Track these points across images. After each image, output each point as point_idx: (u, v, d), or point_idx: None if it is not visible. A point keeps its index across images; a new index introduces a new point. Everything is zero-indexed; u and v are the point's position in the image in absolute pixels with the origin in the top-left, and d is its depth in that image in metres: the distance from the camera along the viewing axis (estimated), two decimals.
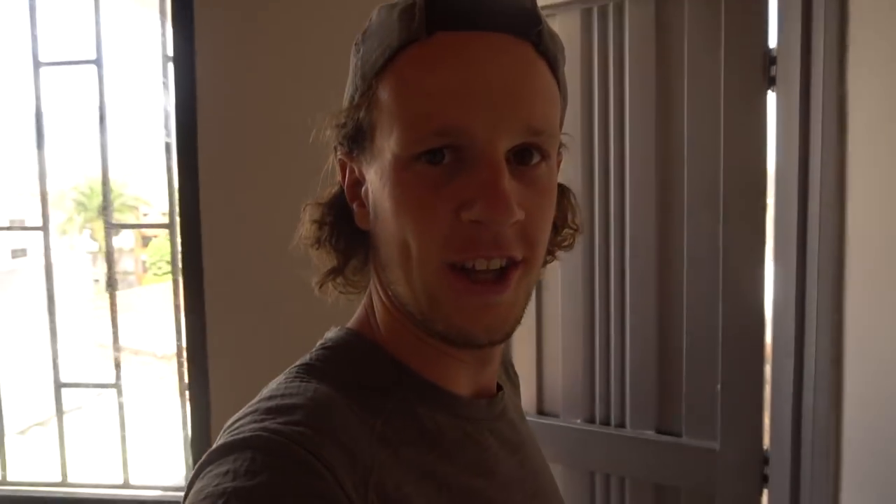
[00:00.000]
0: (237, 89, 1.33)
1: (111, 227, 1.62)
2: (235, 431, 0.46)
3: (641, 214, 1.50)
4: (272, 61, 1.32)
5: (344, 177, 0.59)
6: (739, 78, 1.40)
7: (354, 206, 0.57)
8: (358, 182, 0.57)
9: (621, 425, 1.56)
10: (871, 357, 1.21)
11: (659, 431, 1.53)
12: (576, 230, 0.65)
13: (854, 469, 1.25)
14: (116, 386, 1.74)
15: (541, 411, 1.67)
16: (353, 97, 0.55)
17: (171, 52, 1.49)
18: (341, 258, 0.60)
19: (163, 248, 26.35)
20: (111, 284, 1.85)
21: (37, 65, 1.56)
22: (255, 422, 0.46)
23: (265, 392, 0.51)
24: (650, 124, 1.48)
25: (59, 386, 1.71)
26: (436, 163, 0.49)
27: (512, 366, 0.78)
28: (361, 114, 0.53)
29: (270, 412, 0.47)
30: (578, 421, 1.60)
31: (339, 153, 0.58)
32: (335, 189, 0.60)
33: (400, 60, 0.50)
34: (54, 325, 1.71)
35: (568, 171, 1.46)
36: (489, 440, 0.59)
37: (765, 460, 1.42)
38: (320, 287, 0.61)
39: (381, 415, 0.52)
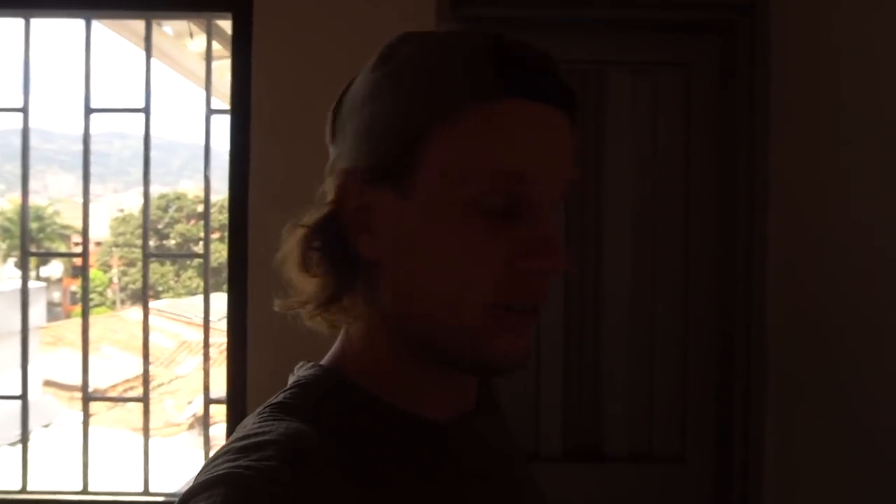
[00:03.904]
0: (291, 134, 1.55)
1: (149, 257, 1.79)
2: (210, 471, 0.47)
3: (617, 253, 1.75)
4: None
5: (342, 201, 0.56)
6: (702, 142, 1.72)
7: (357, 233, 0.56)
8: (366, 208, 0.55)
9: (596, 454, 1.74)
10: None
11: (631, 455, 1.73)
12: None
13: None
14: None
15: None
16: (394, 130, 0.53)
17: (214, 106, 1.71)
18: (335, 286, 0.58)
19: (98, 277, 25.25)
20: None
21: (88, 111, 1.73)
22: (229, 461, 0.48)
23: (239, 433, 0.52)
24: (626, 183, 1.76)
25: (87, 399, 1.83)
26: (492, 212, 0.51)
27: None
28: (402, 149, 0.52)
29: (244, 451, 0.48)
30: (555, 455, 1.74)
31: (345, 177, 0.55)
32: (324, 212, 0.57)
33: (467, 111, 0.51)
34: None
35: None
36: (466, 465, 0.60)
37: (729, 474, 1.66)
38: (287, 309, 0.61)
39: (355, 450, 0.53)
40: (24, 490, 1.75)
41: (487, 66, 0.51)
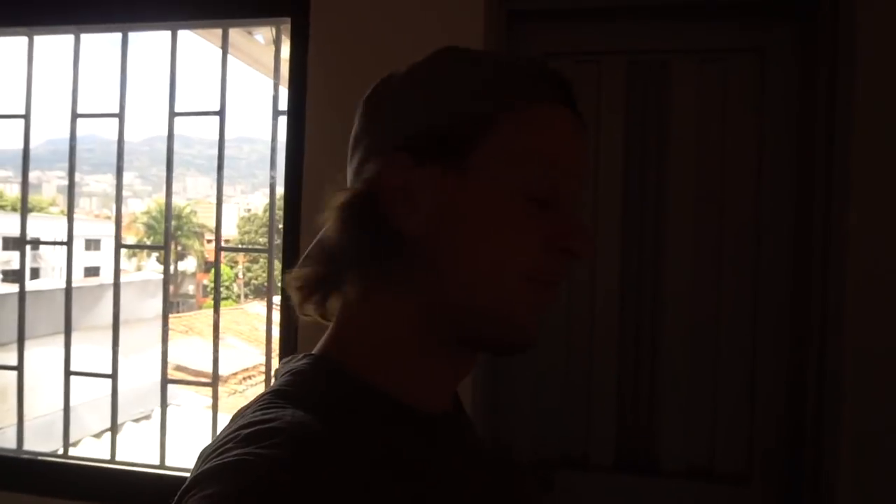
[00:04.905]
0: (341, 136, 1.60)
1: (220, 251, 1.91)
2: (218, 458, 0.47)
3: (679, 252, 1.65)
4: None
5: (386, 179, 0.58)
6: (775, 135, 1.59)
7: (401, 210, 0.57)
8: (409, 187, 0.57)
9: (651, 467, 1.65)
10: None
11: (690, 470, 1.63)
12: None
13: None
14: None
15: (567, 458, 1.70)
16: (464, 108, 0.57)
17: (282, 107, 1.79)
18: (358, 259, 0.60)
19: (226, 273, 27.20)
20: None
21: (172, 115, 1.88)
22: (238, 448, 0.47)
23: (241, 420, 0.53)
24: (690, 178, 1.65)
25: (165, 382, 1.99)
26: (534, 198, 0.56)
27: None
28: (467, 129, 0.56)
29: (251, 438, 0.48)
30: (606, 465, 1.66)
31: (394, 154, 0.58)
32: (362, 188, 0.59)
33: (531, 109, 0.57)
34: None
35: (609, 216, 1.67)
36: (458, 457, 0.62)
37: (799, 499, 1.53)
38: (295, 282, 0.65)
39: (357, 440, 0.53)
40: (112, 460, 1.93)
41: (549, 76, 0.59)
